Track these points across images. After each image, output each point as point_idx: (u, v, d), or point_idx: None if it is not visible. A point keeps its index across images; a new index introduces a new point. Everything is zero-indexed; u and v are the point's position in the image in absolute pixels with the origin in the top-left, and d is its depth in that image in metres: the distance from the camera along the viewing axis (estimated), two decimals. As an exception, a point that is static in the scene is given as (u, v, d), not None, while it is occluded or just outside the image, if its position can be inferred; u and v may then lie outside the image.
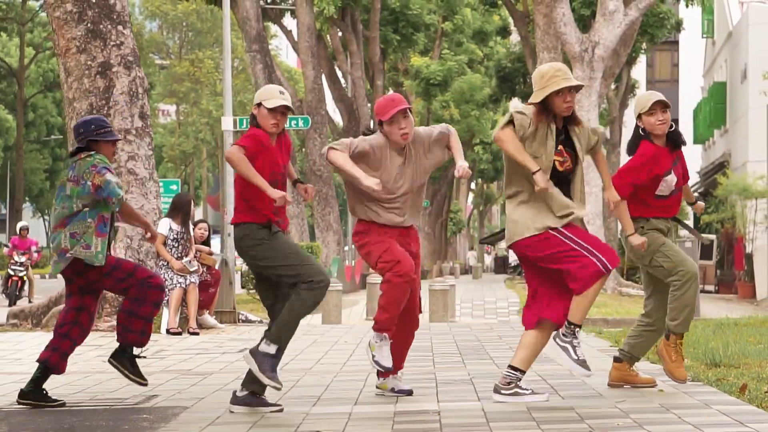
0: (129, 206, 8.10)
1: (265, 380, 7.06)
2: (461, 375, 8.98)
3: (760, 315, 19.06)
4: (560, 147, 7.26)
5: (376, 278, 20.99)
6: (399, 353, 7.83)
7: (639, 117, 7.86)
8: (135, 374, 7.76)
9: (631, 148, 7.90)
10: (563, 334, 7.22)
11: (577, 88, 7.19)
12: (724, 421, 6.35)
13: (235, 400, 7.22)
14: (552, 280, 7.27)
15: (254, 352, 7.13)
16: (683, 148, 8.03)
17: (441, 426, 6.39)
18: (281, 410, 7.10)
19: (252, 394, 7.19)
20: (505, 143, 7.09)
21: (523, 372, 7.29)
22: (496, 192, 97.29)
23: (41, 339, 13.15)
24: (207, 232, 15.60)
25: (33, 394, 7.70)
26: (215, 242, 57.60)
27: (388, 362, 7.59)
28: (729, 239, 42.72)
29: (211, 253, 15.32)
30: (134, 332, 7.76)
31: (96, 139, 7.90)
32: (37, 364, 7.81)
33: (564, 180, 7.28)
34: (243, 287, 25.94)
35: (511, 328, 14.56)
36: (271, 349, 7.11)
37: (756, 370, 8.65)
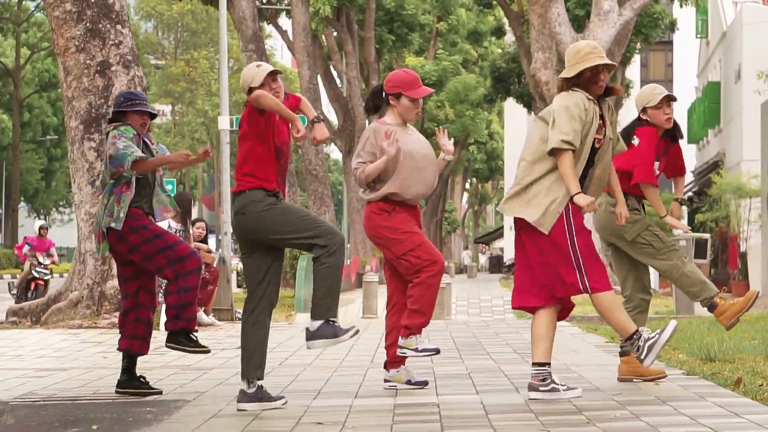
0: (147, 163, 7.82)
1: (346, 339, 6.93)
2: (459, 370, 9.07)
3: (754, 312, 19.14)
4: (599, 122, 7.21)
5: (371, 277, 21.05)
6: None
7: (644, 110, 7.94)
8: (196, 346, 7.86)
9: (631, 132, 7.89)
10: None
11: (611, 68, 7.18)
12: (719, 413, 6.43)
13: (243, 398, 7.01)
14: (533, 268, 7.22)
15: (312, 336, 6.94)
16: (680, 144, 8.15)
17: (441, 418, 6.48)
18: (285, 403, 7.03)
19: (260, 388, 7.01)
20: (564, 165, 6.98)
21: (549, 365, 7.17)
22: (491, 192, 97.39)
23: (41, 336, 13.23)
24: (205, 231, 15.69)
25: (129, 382, 7.90)
26: (210, 242, 57.56)
27: (432, 345, 7.80)
28: (723, 238, 42.79)
29: (209, 251, 15.40)
30: (186, 320, 7.85)
31: (123, 110, 8.03)
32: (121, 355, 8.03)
33: (590, 161, 7.19)
34: (239, 287, 26.01)
35: (507, 325, 14.65)
36: (319, 323, 6.93)
37: (751, 365, 8.72)
